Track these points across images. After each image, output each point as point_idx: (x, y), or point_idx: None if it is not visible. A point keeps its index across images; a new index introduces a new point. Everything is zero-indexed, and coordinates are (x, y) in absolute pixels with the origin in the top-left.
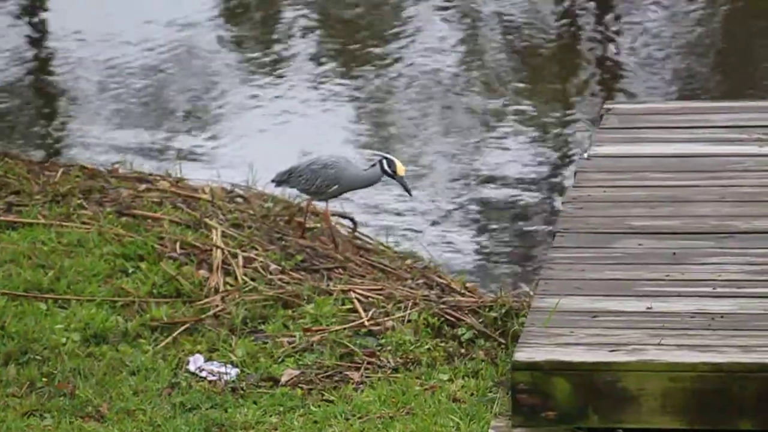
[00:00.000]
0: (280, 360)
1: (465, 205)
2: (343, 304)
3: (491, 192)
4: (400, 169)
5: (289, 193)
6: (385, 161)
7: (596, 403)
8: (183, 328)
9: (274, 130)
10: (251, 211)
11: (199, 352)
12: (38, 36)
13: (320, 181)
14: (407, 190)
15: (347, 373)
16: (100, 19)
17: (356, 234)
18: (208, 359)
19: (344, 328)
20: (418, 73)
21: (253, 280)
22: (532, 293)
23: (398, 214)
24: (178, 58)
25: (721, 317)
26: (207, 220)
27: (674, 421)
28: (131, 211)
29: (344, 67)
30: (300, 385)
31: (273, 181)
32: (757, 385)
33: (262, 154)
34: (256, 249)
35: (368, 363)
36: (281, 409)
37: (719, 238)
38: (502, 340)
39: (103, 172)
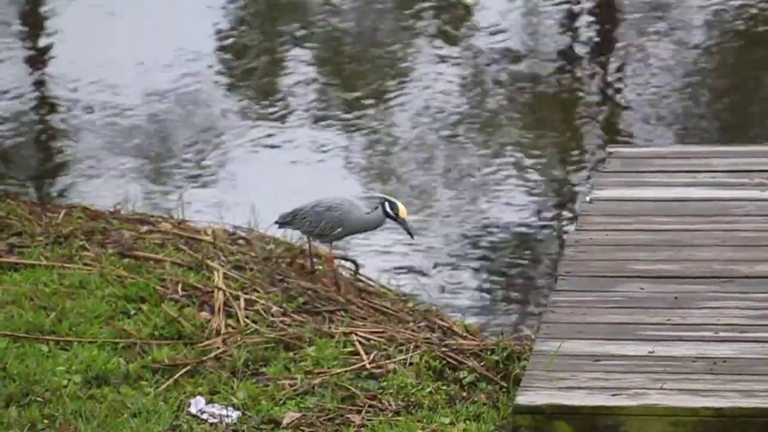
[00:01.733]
0: (281, 402)
1: (467, 247)
2: (345, 347)
3: (493, 235)
4: (402, 211)
5: (291, 235)
6: (387, 204)
7: None
8: (184, 370)
9: (275, 173)
10: (253, 253)
11: (200, 394)
12: (42, 79)
13: (324, 223)
14: (409, 233)
15: (348, 416)
16: (103, 65)
17: (358, 276)
18: (209, 402)
19: (346, 371)
20: (419, 117)
21: (254, 322)
22: (534, 336)
23: (400, 256)
24: (180, 102)
25: (723, 362)
26: (209, 261)
27: None
28: (133, 252)
29: (345, 111)
30: (301, 427)
31: (277, 222)
32: (759, 430)
33: (264, 196)
34: (258, 291)
35: (370, 406)
36: None
37: (720, 283)
38: (504, 384)
39: (105, 213)
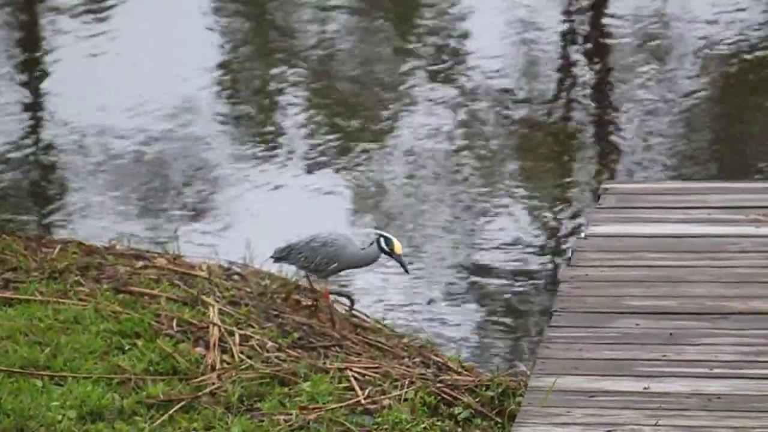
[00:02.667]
0: None
1: (462, 283)
2: (340, 382)
3: (488, 271)
4: (398, 247)
5: (286, 270)
6: (382, 239)
7: None
8: (179, 405)
9: (270, 208)
10: (248, 289)
11: (195, 429)
12: (37, 116)
13: (319, 258)
14: (405, 269)
15: None
16: (98, 102)
17: (353, 312)
18: None
19: (341, 407)
20: (415, 152)
21: (249, 357)
22: (529, 372)
23: (395, 291)
24: (176, 139)
25: (718, 398)
26: (204, 297)
27: None
28: (128, 288)
29: (340, 146)
30: None
31: (272, 257)
32: None
33: (259, 232)
34: (253, 326)
35: None
36: None
37: (715, 319)
38: (499, 420)
39: (101, 248)
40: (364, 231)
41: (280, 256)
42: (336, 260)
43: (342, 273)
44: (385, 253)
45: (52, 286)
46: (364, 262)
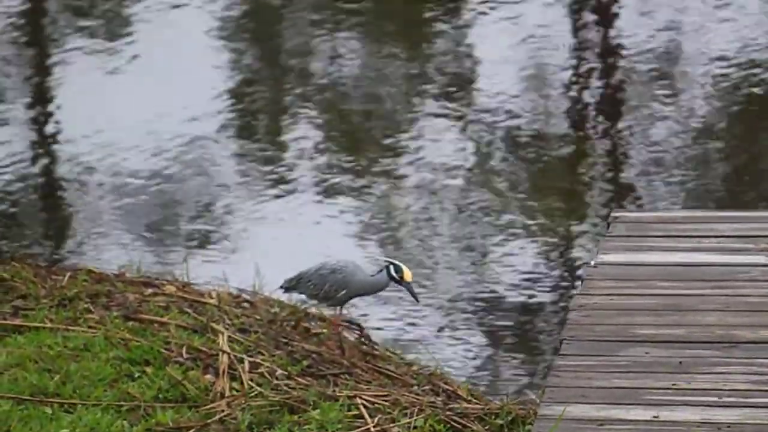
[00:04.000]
0: None
1: (471, 311)
2: (349, 410)
3: (497, 299)
4: (408, 275)
5: (296, 298)
6: (392, 267)
7: None
8: None
9: (280, 236)
10: (258, 316)
11: None
12: (45, 141)
13: (328, 286)
14: (414, 297)
15: None
16: (107, 127)
17: (363, 340)
18: None
19: None
20: (425, 181)
21: (259, 385)
22: (538, 401)
23: (405, 319)
24: (186, 165)
25: (728, 427)
26: (213, 324)
27: None
28: (138, 315)
29: (350, 175)
30: None
31: (282, 287)
32: None
33: (269, 259)
34: (263, 354)
35: None
36: None
37: (725, 348)
38: None
39: (110, 276)
40: (374, 259)
41: (290, 286)
42: (345, 287)
43: (353, 301)
44: (395, 281)
45: (62, 314)
46: (374, 289)
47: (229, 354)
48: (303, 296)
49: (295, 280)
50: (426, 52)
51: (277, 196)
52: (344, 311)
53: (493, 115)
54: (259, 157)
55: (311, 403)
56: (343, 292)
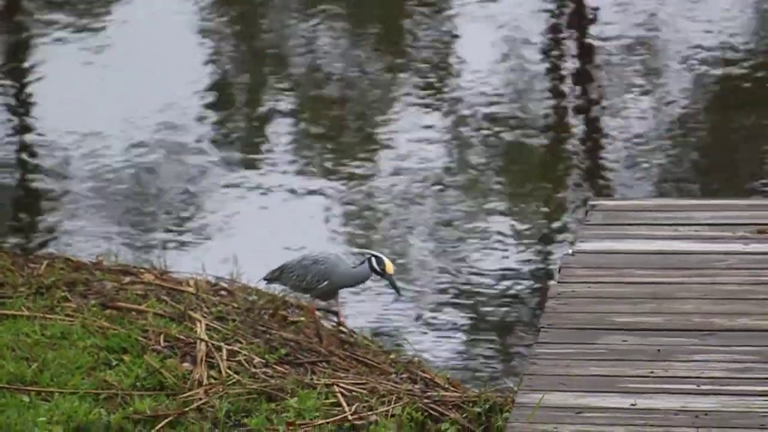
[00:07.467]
0: None
1: (449, 300)
2: (327, 398)
3: (475, 287)
4: (389, 267)
5: (274, 287)
6: (374, 259)
7: None
8: (166, 421)
9: (259, 225)
10: (235, 304)
11: None
12: (22, 131)
13: (311, 276)
14: (396, 288)
15: None
16: (86, 115)
17: (341, 328)
18: None
19: (328, 422)
20: (404, 171)
21: (236, 373)
22: (516, 389)
23: (383, 307)
24: (164, 154)
25: (705, 415)
26: (191, 312)
27: None
28: (115, 303)
29: (330, 164)
30: None
31: (264, 278)
32: None
33: (247, 247)
34: (240, 342)
35: None
36: None
37: (703, 336)
38: None
39: (88, 264)
40: (356, 250)
41: (273, 277)
42: (327, 278)
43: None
44: (377, 272)
45: (39, 302)
46: (356, 281)
47: (206, 342)
48: (285, 287)
49: (278, 271)
50: (406, 42)
51: (256, 186)
52: (340, 307)
53: (471, 106)
54: (237, 146)
55: (289, 391)
56: (325, 283)
